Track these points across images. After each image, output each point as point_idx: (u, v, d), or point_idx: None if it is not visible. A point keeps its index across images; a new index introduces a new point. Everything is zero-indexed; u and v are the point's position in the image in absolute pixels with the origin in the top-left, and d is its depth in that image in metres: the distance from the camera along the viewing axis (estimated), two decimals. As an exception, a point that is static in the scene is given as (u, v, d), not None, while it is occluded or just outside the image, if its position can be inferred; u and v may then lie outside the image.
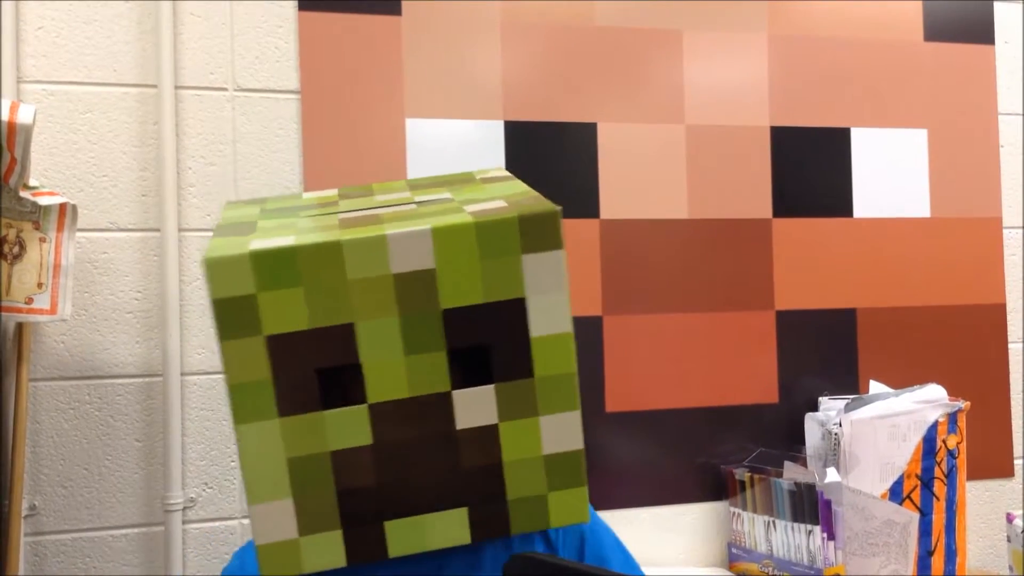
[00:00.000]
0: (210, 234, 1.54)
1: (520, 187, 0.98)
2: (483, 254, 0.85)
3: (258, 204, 1.06)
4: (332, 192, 1.09)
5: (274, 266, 0.82)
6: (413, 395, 0.87)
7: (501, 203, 0.90)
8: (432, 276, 0.85)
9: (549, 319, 0.88)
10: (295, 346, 0.84)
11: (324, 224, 0.90)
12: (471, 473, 0.90)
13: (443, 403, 0.88)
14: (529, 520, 0.92)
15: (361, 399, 0.87)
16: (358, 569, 0.90)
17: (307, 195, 1.09)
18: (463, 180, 1.07)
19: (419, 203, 0.96)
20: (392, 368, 0.86)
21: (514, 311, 0.87)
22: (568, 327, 0.88)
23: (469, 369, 0.88)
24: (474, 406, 0.89)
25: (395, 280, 0.84)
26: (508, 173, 1.07)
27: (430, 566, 0.95)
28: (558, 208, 0.85)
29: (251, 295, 0.82)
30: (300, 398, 0.85)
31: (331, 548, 0.89)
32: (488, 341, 0.87)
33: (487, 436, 0.89)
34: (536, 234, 0.85)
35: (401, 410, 0.87)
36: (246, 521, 1.53)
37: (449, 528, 0.90)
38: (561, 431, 0.91)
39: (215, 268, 0.81)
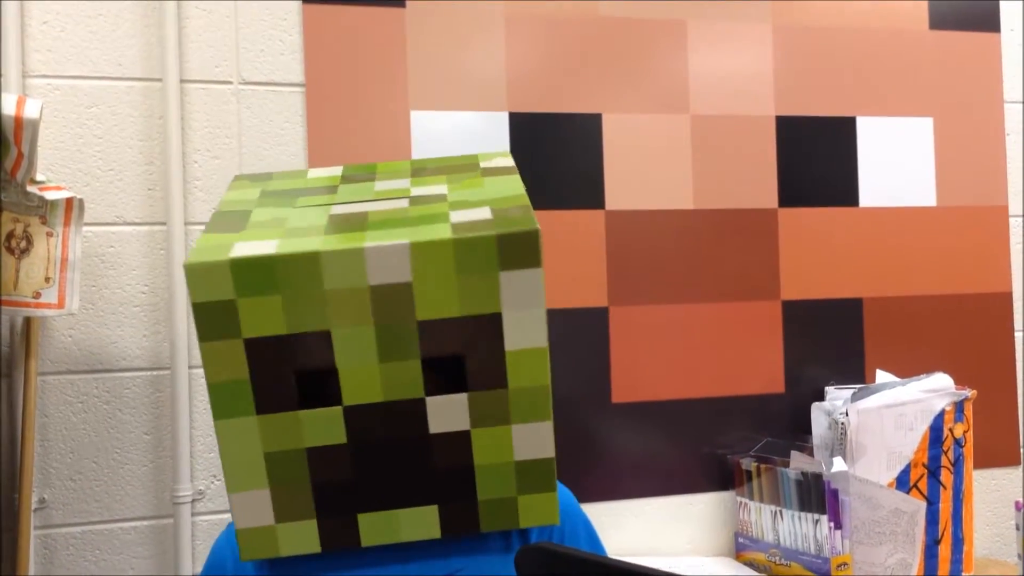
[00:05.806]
0: (216, 227, 1.54)
1: (514, 188, 0.97)
2: (460, 269, 0.85)
3: (262, 183, 1.06)
4: (336, 172, 1.09)
5: (253, 274, 0.84)
6: (387, 399, 0.89)
7: (486, 212, 0.90)
8: (408, 289, 0.85)
9: (525, 334, 0.89)
10: (273, 350, 0.85)
11: (313, 223, 0.91)
12: (443, 474, 0.92)
13: (417, 408, 0.89)
14: (499, 519, 0.94)
15: (337, 401, 0.88)
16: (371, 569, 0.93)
17: (313, 173, 1.09)
18: (466, 167, 1.07)
19: (412, 199, 0.96)
20: (367, 374, 0.88)
21: (490, 325, 0.88)
22: (543, 342, 0.89)
23: (444, 377, 0.90)
24: (447, 412, 0.90)
25: (372, 291, 0.85)
26: (511, 164, 1.07)
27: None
28: (537, 228, 0.85)
29: (231, 300, 0.84)
30: (277, 398, 0.87)
31: (306, 535, 0.92)
32: (463, 352, 0.89)
33: (459, 441, 0.91)
34: (515, 253, 0.86)
35: (376, 413, 0.89)
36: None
37: (420, 523, 0.93)
38: (533, 440, 0.92)
39: (195, 274, 0.84)
